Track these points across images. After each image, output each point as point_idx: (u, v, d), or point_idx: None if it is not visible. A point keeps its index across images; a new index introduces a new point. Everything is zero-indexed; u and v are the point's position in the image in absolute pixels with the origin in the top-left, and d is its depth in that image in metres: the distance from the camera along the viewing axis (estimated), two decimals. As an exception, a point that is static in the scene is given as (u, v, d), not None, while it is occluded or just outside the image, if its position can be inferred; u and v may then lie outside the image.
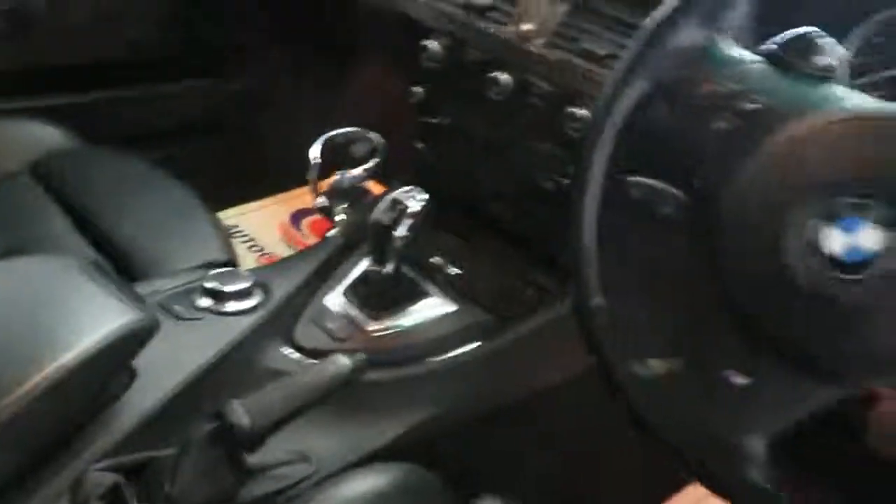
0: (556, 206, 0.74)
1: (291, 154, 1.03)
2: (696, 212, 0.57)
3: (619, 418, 0.59)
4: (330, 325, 0.87)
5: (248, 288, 0.85)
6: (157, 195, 1.10)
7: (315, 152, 0.96)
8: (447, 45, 0.91)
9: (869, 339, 0.46)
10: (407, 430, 0.82)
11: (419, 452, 0.79)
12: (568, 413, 0.92)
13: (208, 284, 0.85)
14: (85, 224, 1.03)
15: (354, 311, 0.89)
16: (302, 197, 1.37)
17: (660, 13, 0.57)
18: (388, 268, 0.87)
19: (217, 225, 1.09)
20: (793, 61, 0.53)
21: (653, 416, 0.57)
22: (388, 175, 1.00)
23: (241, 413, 0.65)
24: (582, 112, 0.81)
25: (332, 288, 0.91)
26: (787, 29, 0.56)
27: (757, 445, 0.52)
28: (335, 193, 0.97)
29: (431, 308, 0.90)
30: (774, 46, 0.54)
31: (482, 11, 0.89)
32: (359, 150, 0.98)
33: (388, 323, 0.88)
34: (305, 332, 0.87)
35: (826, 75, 0.53)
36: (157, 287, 0.86)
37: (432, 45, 0.92)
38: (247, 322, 0.82)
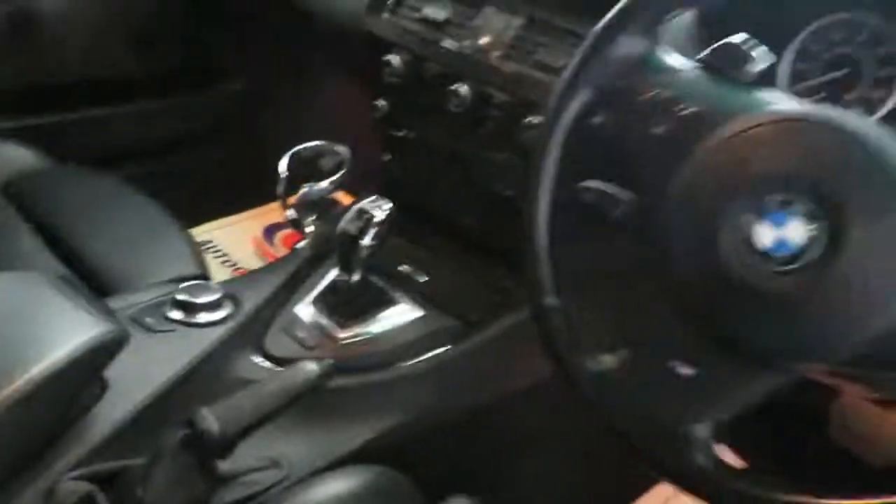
0: (518, 212, 0.77)
1: (263, 169, 1.05)
2: (642, 214, 0.59)
3: (584, 418, 0.62)
4: (300, 334, 0.89)
5: (219, 299, 0.87)
6: (129, 212, 1.12)
7: (283, 166, 0.99)
8: (408, 59, 0.94)
9: (798, 327, 0.49)
10: (377, 435, 0.84)
11: (389, 456, 0.80)
12: (536, 415, 0.94)
13: (179, 297, 0.86)
14: (56, 242, 1.04)
15: (324, 320, 0.91)
16: (274, 212, 1.39)
17: (600, 25, 0.61)
18: (356, 276, 0.89)
19: (189, 240, 1.11)
20: (724, 68, 0.56)
21: (605, 407, 0.59)
22: (357, 186, 1.03)
23: (210, 420, 0.66)
24: (539, 121, 0.84)
25: (301, 298, 0.93)
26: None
27: (703, 432, 0.55)
28: (304, 206, 0.99)
29: (399, 315, 0.92)
30: (707, 55, 0.57)
31: (440, 26, 0.92)
32: (326, 163, 1.01)
33: (357, 330, 0.90)
34: (276, 342, 0.88)
35: (755, 80, 0.56)
36: (128, 301, 0.88)
37: (394, 59, 0.95)
38: (217, 333, 0.84)
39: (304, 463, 0.79)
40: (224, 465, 0.71)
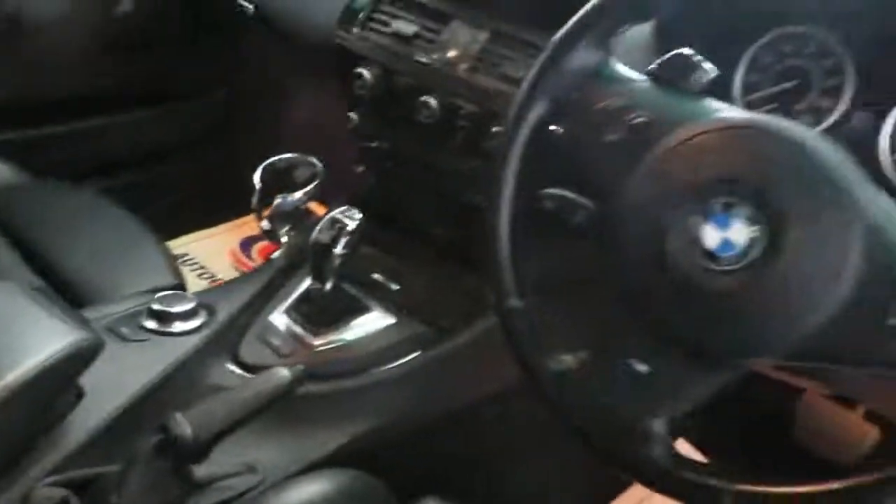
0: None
1: (240, 182, 1.07)
2: (600, 219, 0.62)
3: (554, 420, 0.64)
4: (274, 342, 0.91)
5: (193, 309, 0.89)
6: (106, 225, 1.13)
7: (257, 178, 1.01)
8: (378, 73, 0.97)
9: (742, 325, 0.52)
10: (350, 439, 0.86)
11: (363, 460, 0.82)
12: (507, 418, 0.96)
13: (154, 306, 0.88)
14: (33, 256, 1.05)
15: (297, 328, 0.92)
16: (251, 224, 1.40)
17: (556, 38, 0.63)
18: (329, 285, 0.91)
19: (165, 252, 1.12)
20: (673, 79, 0.59)
21: (566, 405, 0.61)
22: (332, 197, 1.05)
23: (184, 425, 0.68)
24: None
25: (276, 306, 0.95)
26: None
27: (660, 427, 0.57)
28: (278, 217, 1.01)
29: (372, 322, 0.94)
30: (657, 66, 0.60)
31: (409, 40, 0.94)
32: (300, 174, 1.03)
33: (331, 337, 0.92)
34: (250, 350, 0.90)
35: (702, 90, 0.59)
36: (103, 312, 0.89)
37: (365, 73, 0.97)
38: (192, 341, 0.86)
39: (278, 468, 0.81)
40: (199, 471, 0.73)
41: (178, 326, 0.87)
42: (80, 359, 0.70)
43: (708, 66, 0.59)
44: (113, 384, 0.77)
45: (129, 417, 0.76)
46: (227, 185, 1.30)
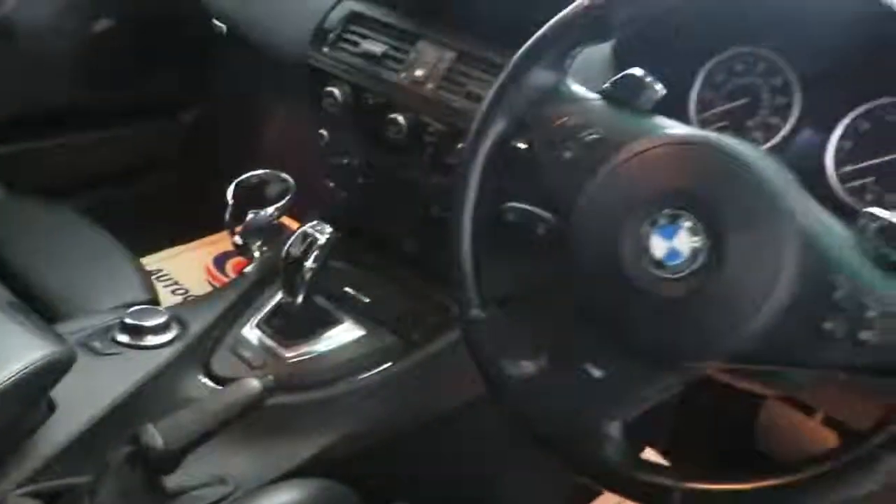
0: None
1: (214, 199, 1.08)
2: (559, 231, 0.65)
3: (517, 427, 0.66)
4: (246, 355, 0.93)
5: (166, 322, 0.90)
6: (79, 241, 1.14)
7: (230, 194, 1.03)
8: (348, 91, 0.99)
9: (688, 329, 0.54)
10: (322, 449, 0.87)
11: (334, 470, 0.84)
12: (477, 427, 0.98)
13: (127, 320, 0.89)
14: (6, 271, 1.06)
15: (269, 341, 0.94)
16: (225, 240, 1.41)
17: (515, 58, 0.66)
18: (301, 298, 0.93)
19: (139, 268, 1.13)
20: (624, 98, 0.62)
21: (526, 410, 0.64)
22: (304, 213, 1.07)
23: (154, 435, 0.69)
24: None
25: (248, 320, 0.97)
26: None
27: (614, 429, 0.60)
28: (250, 232, 1.03)
29: (343, 334, 0.96)
30: (609, 86, 0.63)
31: (378, 60, 0.97)
32: (272, 190, 1.05)
33: (303, 349, 0.94)
34: (222, 362, 0.92)
35: (652, 108, 0.62)
36: (76, 326, 0.90)
37: (335, 91, 1.00)
38: (164, 354, 0.87)
39: (249, 478, 0.82)
40: (170, 482, 0.74)
41: (151, 340, 0.88)
42: (53, 372, 0.71)
43: (658, 85, 0.63)
44: (85, 397, 0.78)
45: (100, 429, 0.77)
46: (201, 201, 1.32)
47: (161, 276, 1.41)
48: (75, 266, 1.08)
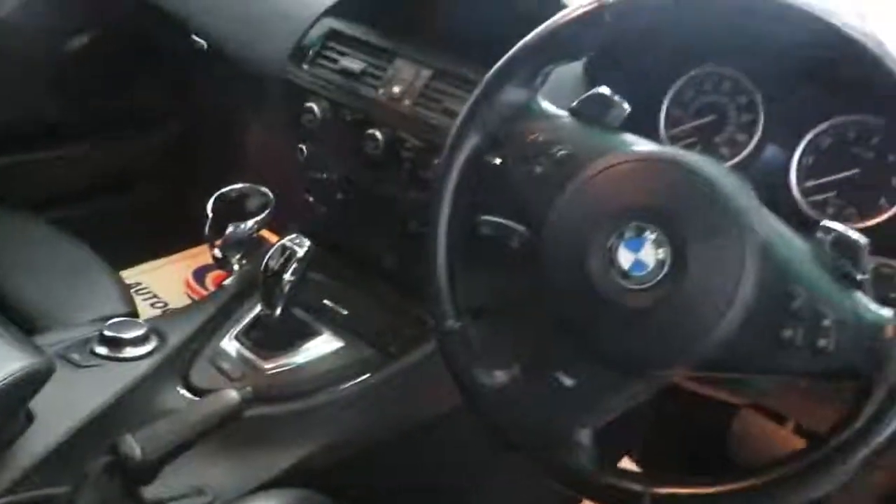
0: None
1: (194, 212, 1.09)
2: (532, 244, 0.67)
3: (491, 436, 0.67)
4: (225, 366, 0.93)
5: (145, 334, 0.91)
6: (59, 255, 1.15)
7: (210, 208, 1.04)
8: (326, 107, 1.01)
9: (653, 338, 0.56)
10: (300, 460, 0.88)
11: (312, 480, 0.84)
12: (454, 437, 0.99)
13: (106, 333, 0.90)
14: (-17, 284, 1.07)
15: (248, 353, 0.95)
16: (205, 254, 1.42)
17: (488, 76, 0.68)
18: (279, 310, 0.94)
19: (118, 281, 1.14)
20: (592, 115, 0.65)
21: (499, 419, 0.65)
22: (284, 227, 1.08)
23: (133, 445, 0.70)
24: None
25: (227, 332, 0.98)
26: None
27: (585, 437, 0.61)
28: (230, 245, 1.05)
29: (321, 345, 0.97)
30: (577, 104, 0.65)
31: (356, 77, 0.99)
32: (252, 204, 1.06)
33: (281, 361, 0.95)
34: (201, 374, 0.92)
35: (619, 125, 0.64)
36: (55, 338, 0.90)
37: (314, 107, 1.01)
38: (143, 366, 0.88)
39: (228, 489, 0.83)
40: (148, 492, 0.74)
41: (130, 352, 0.89)
42: (31, 383, 0.72)
43: (624, 104, 0.65)
44: (63, 408, 0.79)
45: (79, 440, 0.77)
46: (181, 215, 1.32)
47: (140, 289, 1.42)
48: (54, 279, 1.09)
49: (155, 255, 1.48)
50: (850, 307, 0.53)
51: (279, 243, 0.94)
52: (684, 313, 0.55)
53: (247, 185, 1.05)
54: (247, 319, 0.99)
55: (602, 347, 0.59)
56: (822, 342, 0.53)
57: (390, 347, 0.98)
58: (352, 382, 0.94)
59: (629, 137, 0.63)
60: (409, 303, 1.01)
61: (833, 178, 0.74)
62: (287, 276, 0.92)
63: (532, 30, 0.68)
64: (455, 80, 0.92)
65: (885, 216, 0.71)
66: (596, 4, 0.64)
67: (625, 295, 0.57)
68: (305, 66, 1.04)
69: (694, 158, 0.58)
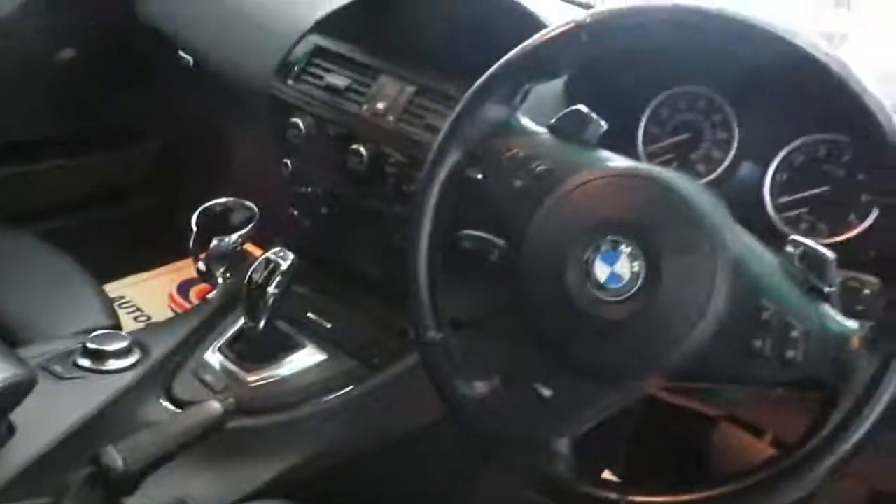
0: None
1: (178, 226, 1.10)
2: (511, 257, 0.68)
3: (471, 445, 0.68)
4: (208, 378, 0.94)
5: (128, 347, 0.91)
6: (43, 267, 1.15)
7: (194, 221, 1.05)
8: (311, 122, 1.02)
9: (630, 348, 0.58)
10: (283, 472, 0.89)
11: (295, 492, 0.85)
12: (439, 449, 1.00)
13: (88, 345, 0.90)
14: (-35, 297, 1.06)
15: (231, 365, 0.95)
16: (189, 267, 1.42)
17: (469, 93, 0.70)
18: (263, 323, 0.95)
19: (102, 294, 1.14)
20: (570, 132, 0.66)
21: (480, 429, 0.66)
22: (269, 241, 1.09)
23: (114, 457, 0.70)
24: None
25: (210, 345, 0.98)
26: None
27: (563, 446, 0.63)
28: (214, 258, 1.05)
29: (305, 358, 0.98)
30: (556, 121, 0.67)
31: (341, 93, 1.00)
32: (236, 218, 1.07)
33: (264, 373, 0.95)
34: (184, 386, 0.93)
35: (596, 142, 0.66)
36: (38, 350, 0.91)
37: (299, 122, 1.02)
38: (125, 379, 0.88)
39: (211, 500, 0.83)
40: None
41: (112, 364, 0.89)
42: (13, 394, 0.72)
43: (602, 121, 0.67)
44: (45, 420, 0.79)
45: (60, 452, 0.78)
46: (165, 228, 1.33)
47: (123, 303, 1.42)
48: (37, 291, 1.09)
49: (140, 267, 1.49)
50: (817, 319, 0.55)
51: (263, 256, 0.95)
52: (658, 325, 0.56)
53: (231, 198, 1.06)
54: (230, 332, 0.99)
55: (579, 358, 0.60)
56: (790, 353, 0.55)
57: (374, 359, 0.99)
58: (335, 394, 0.95)
59: (606, 154, 0.65)
60: (393, 316, 1.02)
61: (805, 194, 0.76)
62: (271, 290, 0.92)
63: (514, 47, 0.70)
64: (438, 97, 0.94)
65: (854, 232, 0.73)
66: (573, 25, 0.66)
67: (601, 307, 0.58)
68: (291, 82, 1.05)
69: (670, 175, 0.59)
